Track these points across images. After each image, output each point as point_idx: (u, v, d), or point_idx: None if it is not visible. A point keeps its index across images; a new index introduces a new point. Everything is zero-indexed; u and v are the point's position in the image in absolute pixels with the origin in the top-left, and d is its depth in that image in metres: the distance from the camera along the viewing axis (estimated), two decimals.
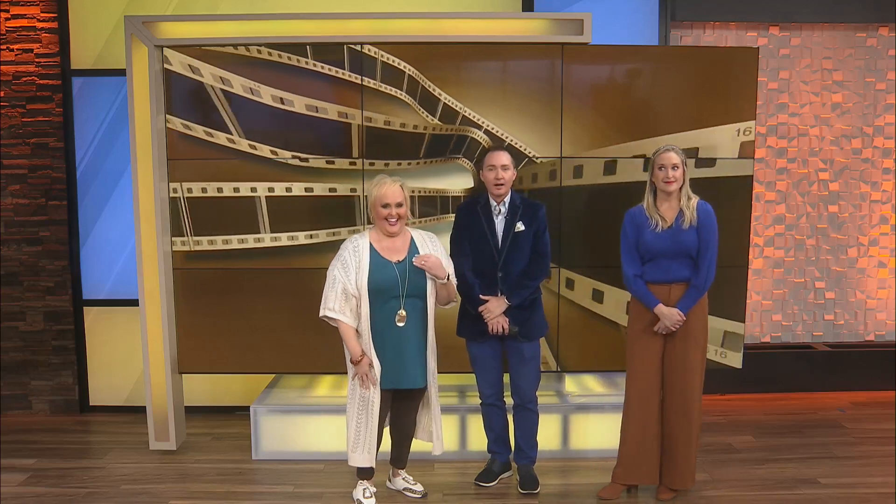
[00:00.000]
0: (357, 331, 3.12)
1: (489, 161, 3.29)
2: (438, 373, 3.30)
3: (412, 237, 3.22)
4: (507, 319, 3.29)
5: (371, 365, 3.10)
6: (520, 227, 3.29)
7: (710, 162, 3.77)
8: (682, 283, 3.21)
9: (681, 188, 3.20)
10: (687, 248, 3.17)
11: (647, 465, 3.33)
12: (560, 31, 3.71)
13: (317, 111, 3.74)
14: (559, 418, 3.85)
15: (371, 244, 3.13)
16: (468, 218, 3.35)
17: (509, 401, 3.49)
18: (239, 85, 3.72)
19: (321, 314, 3.11)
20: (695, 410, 3.24)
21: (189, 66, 3.72)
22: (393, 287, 3.10)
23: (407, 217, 3.18)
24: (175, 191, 3.80)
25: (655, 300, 3.21)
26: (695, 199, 3.21)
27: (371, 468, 3.25)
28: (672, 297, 3.21)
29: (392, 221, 3.10)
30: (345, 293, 3.07)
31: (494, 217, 3.32)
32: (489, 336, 3.32)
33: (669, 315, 3.18)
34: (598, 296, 3.83)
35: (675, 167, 3.16)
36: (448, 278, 3.18)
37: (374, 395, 3.13)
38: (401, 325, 3.12)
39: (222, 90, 3.73)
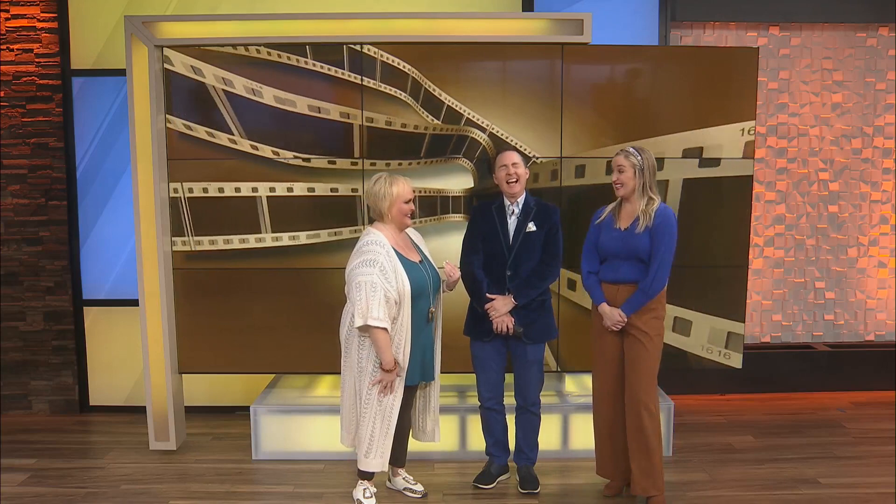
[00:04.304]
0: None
1: (500, 161, 3.34)
2: (440, 373, 3.36)
3: (408, 234, 3.30)
4: (513, 319, 3.29)
5: (398, 373, 3.10)
6: (531, 227, 3.31)
7: (715, 161, 3.77)
8: (631, 285, 3.16)
9: (636, 191, 3.14)
10: (636, 251, 3.13)
11: (617, 462, 3.32)
12: (560, 31, 3.71)
13: (319, 112, 3.74)
14: (559, 418, 3.85)
15: (392, 246, 3.12)
16: (482, 217, 3.39)
17: (510, 402, 3.49)
18: (241, 85, 3.72)
19: (363, 323, 2.95)
20: (645, 415, 3.15)
21: (191, 66, 3.72)
22: (427, 287, 3.15)
23: None
24: (175, 191, 3.80)
25: (600, 298, 3.23)
26: (656, 203, 3.13)
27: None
28: (619, 298, 3.18)
29: (411, 215, 3.18)
30: (386, 299, 3.00)
31: (507, 217, 3.34)
32: (494, 336, 3.33)
33: (610, 314, 3.19)
34: None
35: (621, 170, 3.15)
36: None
37: (395, 402, 3.12)
38: (432, 322, 3.20)
39: (224, 90, 3.73)
